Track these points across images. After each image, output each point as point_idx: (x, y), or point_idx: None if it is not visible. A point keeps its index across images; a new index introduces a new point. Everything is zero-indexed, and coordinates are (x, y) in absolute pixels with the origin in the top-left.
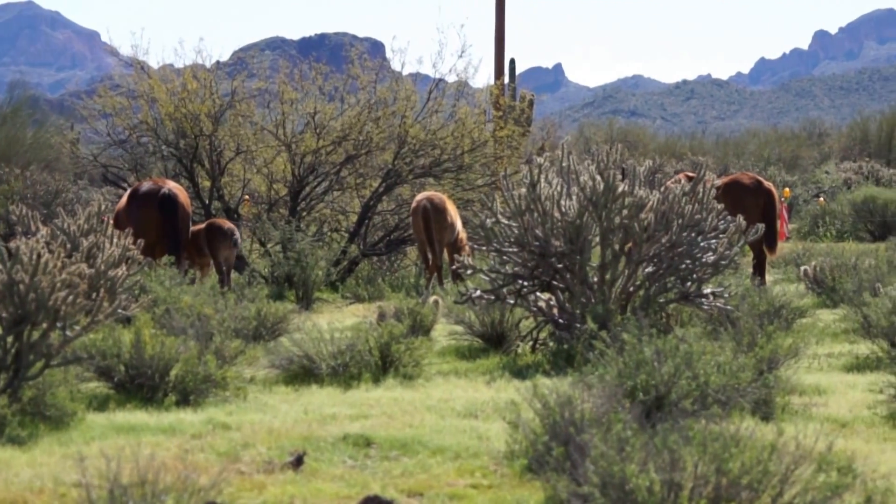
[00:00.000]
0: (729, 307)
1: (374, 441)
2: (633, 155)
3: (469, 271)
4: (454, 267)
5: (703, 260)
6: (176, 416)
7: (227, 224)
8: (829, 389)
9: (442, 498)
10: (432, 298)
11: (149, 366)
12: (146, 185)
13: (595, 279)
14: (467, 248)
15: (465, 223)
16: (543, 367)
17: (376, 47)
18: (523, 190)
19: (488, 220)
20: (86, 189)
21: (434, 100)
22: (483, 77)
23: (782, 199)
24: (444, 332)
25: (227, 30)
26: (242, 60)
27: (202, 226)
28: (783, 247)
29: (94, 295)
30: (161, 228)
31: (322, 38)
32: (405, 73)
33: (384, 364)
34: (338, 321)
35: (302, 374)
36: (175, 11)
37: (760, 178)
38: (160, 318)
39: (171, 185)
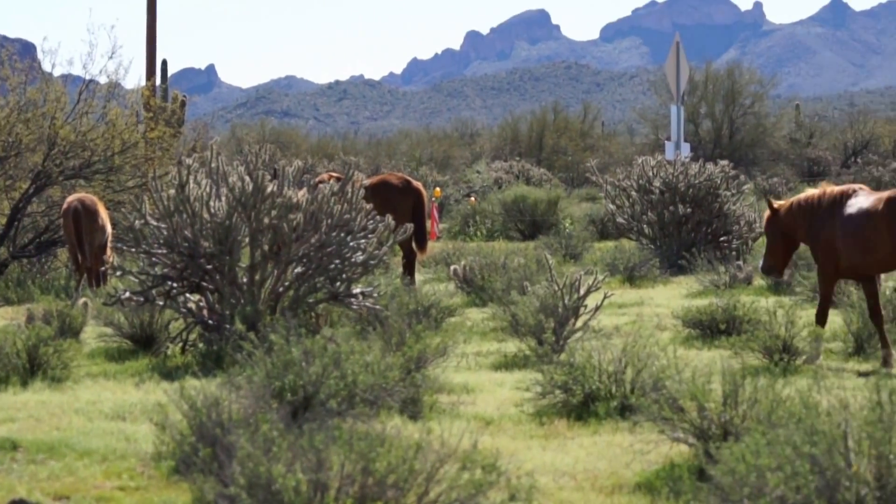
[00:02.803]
0: (378, 307)
1: (21, 444)
2: (285, 155)
3: (118, 273)
4: (103, 269)
5: (353, 260)
6: None
7: None
8: (478, 388)
9: (89, 500)
10: (82, 300)
11: None
12: None
13: (244, 280)
14: (109, 249)
15: (115, 225)
16: (193, 368)
17: (27, 48)
18: (172, 191)
19: (137, 222)
20: None
21: (84, 101)
22: (135, 78)
23: (433, 198)
24: (93, 335)
25: None
26: None
27: None
28: (434, 246)
29: None
30: None
31: None
32: (56, 74)
33: (32, 367)
34: None
35: None
36: None
37: (409, 178)
38: None
39: None
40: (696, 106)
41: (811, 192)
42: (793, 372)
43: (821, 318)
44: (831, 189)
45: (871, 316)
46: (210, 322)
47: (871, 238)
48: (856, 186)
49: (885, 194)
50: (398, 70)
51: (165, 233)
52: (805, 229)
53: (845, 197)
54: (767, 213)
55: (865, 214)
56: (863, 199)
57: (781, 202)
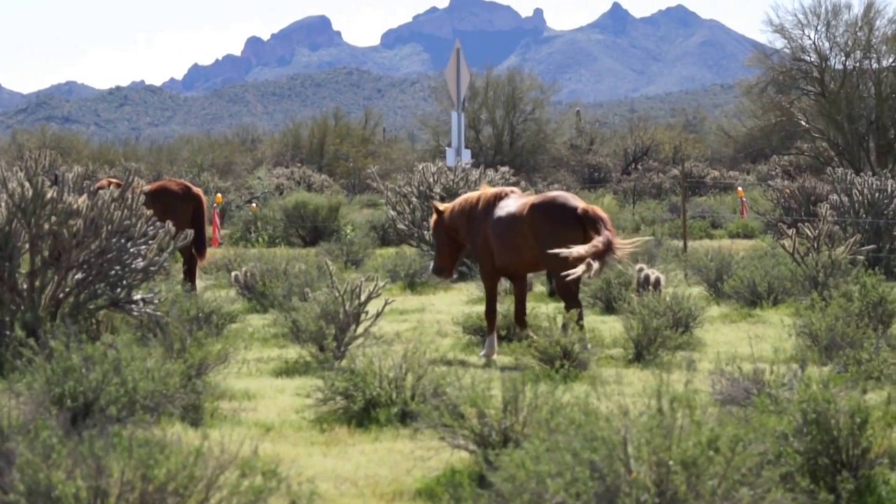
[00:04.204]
0: (159, 313)
1: None
2: (66, 161)
3: None
4: None
5: (133, 266)
6: None
7: None
8: (259, 394)
9: None
10: None
11: None
12: None
13: (24, 286)
14: None
15: None
16: None
17: None
18: None
19: None
20: None
21: None
22: None
23: (214, 205)
24: None
25: None
26: None
27: None
28: (216, 252)
29: None
30: None
31: None
32: None
33: None
34: None
35: None
36: None
37: (189, 184)
38: None
39: None
40: (476, 112)
41: (470, 194)
42: (573, 378)
43: (489, 315)
44: (486, 191)
45: (516, 318)
46: None
47: (516, 240)
48: (508, 189)
49: (530, 200)
50: (179, 76)
51: None
52: (465, 230)
53: (498, 199)
54: (434, 216)
55: (512, 218)
56: (512, 203)
57: (445, 205)
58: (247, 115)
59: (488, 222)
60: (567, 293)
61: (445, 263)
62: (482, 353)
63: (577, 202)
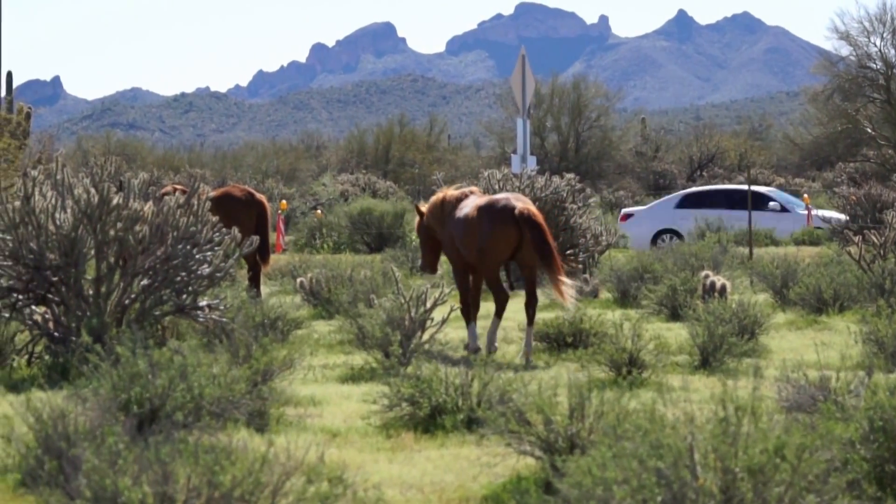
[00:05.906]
0: (224, 319)
1: None
2: (131, 168)
3: None
4: None
5: (199, 272)
6: None
7: None
8: (325, 400)
9: None
10: None
11: None
12: None
13: (90, 292)
14: None
15: None
16: (39, 380)
17: None
18: (18, 203)
19: None
20: None
21: None
22: None
23: (279, 211)
24: None
25: None
26: None
27: None
28: (280, 259)
29: None
30: None
31: None
32: None
33: None
34: None
35: None
36: None
37: (252, 191)
38: None
39: None
40: (542, 119)
41: (438, 196)
42: (639, 385)
43: (465, 312)
44: (452, 192)
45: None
46: (56, 334)
47: (469, 241)
48: (468, 190)
49: (480, 201)
50: (244, 82)
51: (11, 245)
52: (438, 230)
53: (460, 200)
54: (417, 218)
55: (466, 218)
56: (469, 203)
57: (426, 207)
58: (311, 122)
59: (451, 222)
60: (493, 287)
61: (428, 260)
62: (465, 346)
63: (518, 203)
